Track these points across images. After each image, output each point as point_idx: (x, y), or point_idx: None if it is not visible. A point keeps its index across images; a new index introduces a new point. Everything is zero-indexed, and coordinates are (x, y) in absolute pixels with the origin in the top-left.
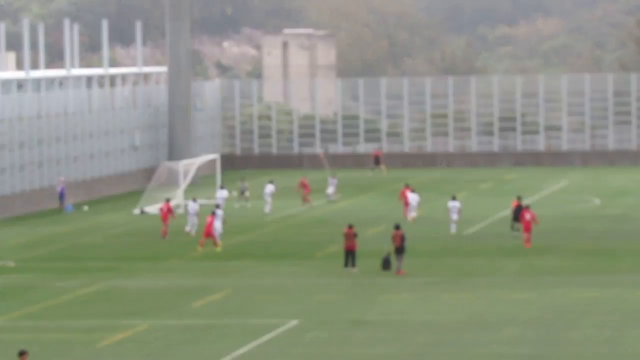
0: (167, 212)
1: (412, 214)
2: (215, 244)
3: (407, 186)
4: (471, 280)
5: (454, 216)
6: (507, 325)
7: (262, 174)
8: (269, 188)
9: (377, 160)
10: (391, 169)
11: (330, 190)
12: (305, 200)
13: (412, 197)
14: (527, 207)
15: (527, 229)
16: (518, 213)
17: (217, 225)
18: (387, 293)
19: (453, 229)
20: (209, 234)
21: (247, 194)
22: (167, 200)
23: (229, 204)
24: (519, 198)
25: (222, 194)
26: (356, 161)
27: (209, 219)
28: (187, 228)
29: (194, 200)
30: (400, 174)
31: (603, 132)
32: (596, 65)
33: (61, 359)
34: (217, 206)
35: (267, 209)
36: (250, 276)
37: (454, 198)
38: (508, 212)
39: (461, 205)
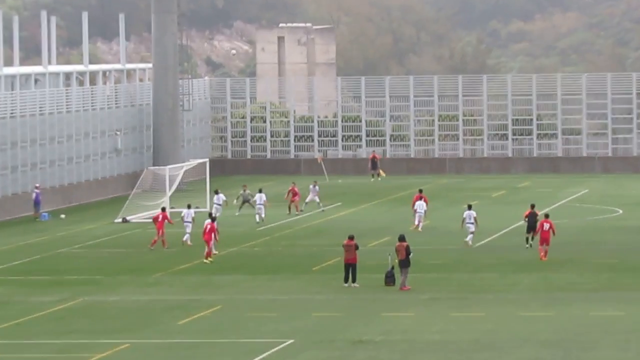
0: (163, 222)
1: (418, 223)
2: (207, 254)
3: (420, 192)
4: (482, 296)
5: (471, 227)
6: (521, 346)
7: (255, 180)
8: (260, 196)
9: (374, 165)
10: (395, 176)
11: (309, 199)
12: (295, 208)
13: (419, 205)
14: (547, 217)
15: (545, 240)
16: (532, 222)
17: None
18: (390, 310)
19: (469, 240)
20: (206, 241)
21: (253, 201)
22: (163, 209)
23: (226, 212)
24: (532, 206)
25: (218, 199)
26: (357, 166)
27: (208, 225)
28: (184, 238)
29: (189, 207)
30: (405, 180)
31: (626, 137)
32: (618, 63)
33: None
34: (210, 215)
35: (259, 218)
36: (242, 291)
37: (469, 207)
38: (522, 222)
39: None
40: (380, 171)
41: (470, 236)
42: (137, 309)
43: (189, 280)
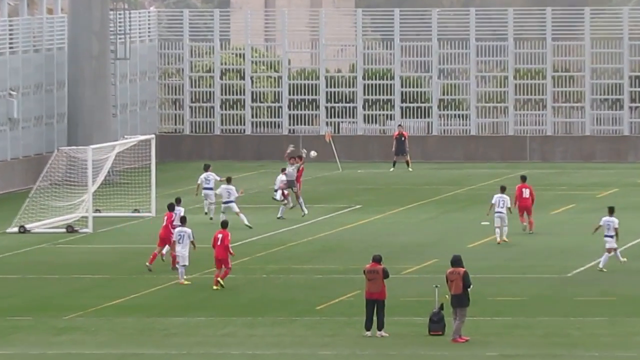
0: (167, 226)
1: (499, 235)
2: (219, 276)
3: (523, 181)
4: (581, 353)
5: (610, 242)
6: None
7: (228, 168)
8: (227, 190)
9: (400, 147)
10: (447, 163)
11: (279, 193)
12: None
13: (498, 199)
14: None
15: None
16: None
17: (181, 250)
18: None
19: (604, 261)
20: (220, 259)
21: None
22: (170, 208)
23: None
24: None
25: (208, 180)
26: (387, 148)
27: (219, 235)
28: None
29: (178, 202)
30: (461, 170)
31: None
32: None
33: None
34: (183, 220)
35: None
36: (205, 342)
37: (611, 211)
38: None
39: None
40: (409, 159)
41: (617, 254)
42: None
43: (122, 324)
